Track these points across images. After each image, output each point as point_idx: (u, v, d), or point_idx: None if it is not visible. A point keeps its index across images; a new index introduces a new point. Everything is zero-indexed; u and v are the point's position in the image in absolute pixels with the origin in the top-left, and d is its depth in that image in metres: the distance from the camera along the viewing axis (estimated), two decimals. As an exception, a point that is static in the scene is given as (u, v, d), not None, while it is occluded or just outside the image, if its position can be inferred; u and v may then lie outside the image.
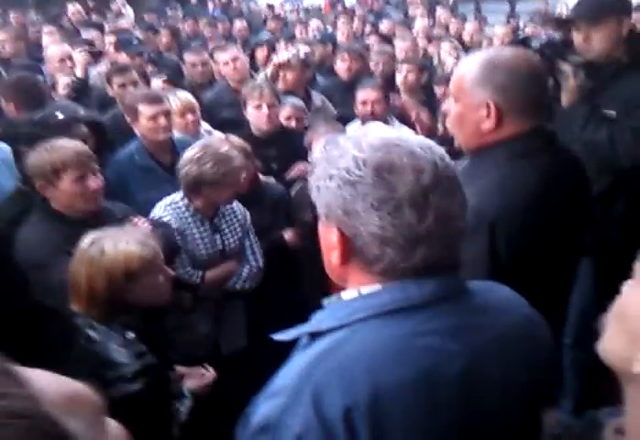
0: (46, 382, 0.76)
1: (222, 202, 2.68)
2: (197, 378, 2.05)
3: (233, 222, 2.75)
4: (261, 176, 3.09)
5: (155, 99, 3.09)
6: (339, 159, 0.97)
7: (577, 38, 2.60)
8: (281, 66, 3.94)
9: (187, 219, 2.63)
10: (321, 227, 1.05)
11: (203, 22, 7.57)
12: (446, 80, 3.42)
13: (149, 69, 4.90)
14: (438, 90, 4.31)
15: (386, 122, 3.68)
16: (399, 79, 4.19)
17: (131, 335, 1.81)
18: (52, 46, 4.76)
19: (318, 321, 1.02)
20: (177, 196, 2.66)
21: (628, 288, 0.82)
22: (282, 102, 3.53)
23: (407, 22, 7.42)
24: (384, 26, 7.09)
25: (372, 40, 5.83)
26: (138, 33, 6.28)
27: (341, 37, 6.31)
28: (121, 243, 1.84)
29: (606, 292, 0.89)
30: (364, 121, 3.64)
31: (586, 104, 2.54)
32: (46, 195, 2.28)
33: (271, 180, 3.17)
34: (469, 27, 6.49)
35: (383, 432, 0.91)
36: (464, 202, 1.00)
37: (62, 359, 1.77)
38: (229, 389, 2.13)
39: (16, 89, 3.45)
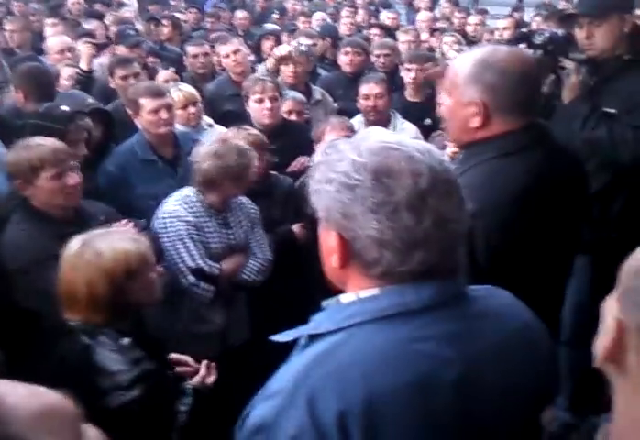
0: (18, 397, 0.76)
1: (235, 195, 2.70)
2: (199, 373, 2.02)
3: (240, 215, 2.77)
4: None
5: (157, 93, 3.09)
6: (338, 164, 0.98)
7: (579, 34, 2.60)
8: (281, 59, 3.93)
9: (201, 213, 2.64)
10: (321, 231, 1.05)
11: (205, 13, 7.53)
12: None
13: (151, 60, 4.90)
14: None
15: (388, 117, 3.69)
16: (406, 78, 4.17)
17: (126, 340, 1.76)
18: (52, 37, 4.74)
19: (316, 323, 1.02)
20: (189, 191, 2.66)
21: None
22: (283, 95, 3.53)
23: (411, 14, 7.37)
24: (387, 17, 7.04)
25: (373, 33, 5.80)
26: (140, 24, 6.24)
27: (344, 29, 6.28)
28: (116, 242, 1.81)
29: (603, 290, 0.89)
30: (366, 115, 3.65)
31: (587, 101, 2.54)
32: (25, 194, 2.29)
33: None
34: (473, 20, 6.46)
35: (377, 436, 0.91)
36: (463, 205, 1.00)
37: (46, 364, 1.78)
38: (231, 383, 2.14)
39: (27, 78, 3.45)
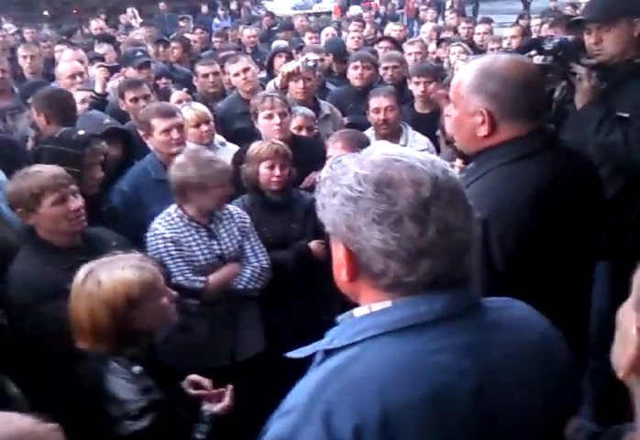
0: None
1: (211, 206, 2.70)
2: (216, 399, 2.00)
3: (230, 226, 2.78)
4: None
5: (168, 113, 3.13)
6: (342, 177, 0.99)
7: (588, 40, 2.58)
8: (290, 75, 3.95)
9: (181, 228, 2.68)
10: (332, 245, 1.06)
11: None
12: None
13: (163, 81, 4.96)
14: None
15: (400, 129, 3.69)
16: (415, 91, 4.18)
17: (137, 368, 1.75)
18: (63, 62, 4.80)
19: (331, 338, 1.02)
20: (171, 208, 2.73)
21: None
22: (293, 111, 3.55)
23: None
24: (392, 29, 7.08)
25: (382, 46, 5.82)
26: (150, 46, 6.33)
27: (352, 43, 6.32)
28: (117, 271, 1.79)
29: (623, 297, 0.88)
30: (377, 128, 3.65)
31: (600, 106, 2.52)
32: (29, 222, 2.28)
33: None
34: (480, 29, 6.47)
35: None
36: (470, 214, 1.00)
37: (60, 392, 1.77)
38: (245, 397, 2.12)
39: (49, 102, 3.49)
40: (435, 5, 9.10)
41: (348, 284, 1.03)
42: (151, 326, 1.86)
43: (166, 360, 1.98)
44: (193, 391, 2.04)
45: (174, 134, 3.07)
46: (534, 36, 6.12)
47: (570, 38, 2.66)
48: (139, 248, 2.35)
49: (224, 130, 3.84)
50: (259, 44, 7.48)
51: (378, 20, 10.36)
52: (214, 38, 7.77)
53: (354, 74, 4.59)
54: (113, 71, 4.76)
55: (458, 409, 0.94)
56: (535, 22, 6.80)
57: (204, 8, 14.55)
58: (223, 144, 3.63)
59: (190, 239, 2.67)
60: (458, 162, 2.68)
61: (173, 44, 6.26)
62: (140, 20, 10.87)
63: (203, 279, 2.64)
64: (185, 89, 4.55)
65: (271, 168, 2.90)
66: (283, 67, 4.06)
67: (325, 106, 4.17)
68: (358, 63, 4.61)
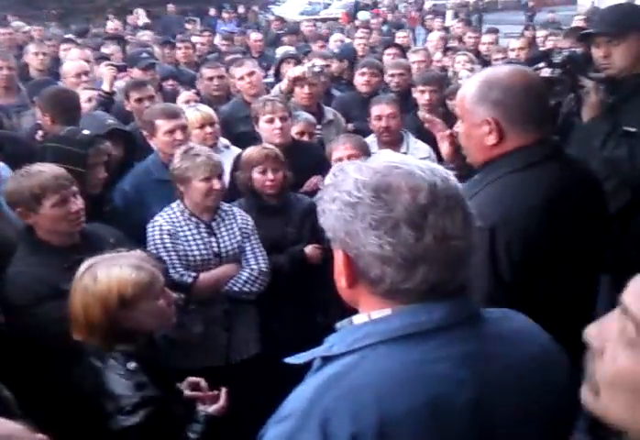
0: None
1: (200, 200, 2.68)
2: (211, 401, 2.00)
3: (232, 225, 2.78)
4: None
5: (172, 114, 3.13)
6: (342, 183, 1.00)
7: (596, 53, 2.58)
8: (296, 80, 3.95)
9: (180, 222, 2.70)
10: (334, 252, 1.06)
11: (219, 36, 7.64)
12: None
13: (170, 83, 4.95)
14: (450, 102, 4.28)
15: (401, 137, 3.68)
16: (420, 100, 4.18)
17: (133, 364, 1.76)
18: (68, 61, 4.80)
19: (329, 345, 1.02)
20: (175, 203, 2.75)
21: None
22: (295, 117, 3.55)
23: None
24: (397, 36, 7.10)
25: (390, 52, 5.84)
26: (157, 47, 6.34)
27: (359, 50, 6.33)
28: (114, 269, 1.79)
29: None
30: (379, 135, 3.65)
31: (607, 120, 2.52)
32: (28, 222, 2.26)
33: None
34: (486, 39, 6.49)
35: None
36: (469, 222, 1.00)
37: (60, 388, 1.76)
38: (238, 399, 2.12)
39: (54, 102, 3.48)
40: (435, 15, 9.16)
41: (348, 291, 1.04)
42: (145, 326, 1.85)
43: (160, 358, 1.97)
44: (188, 392, 2.04)
45: (178, 135, 3.08)
46: (539, 47, 6.14)
47: (579, 51, 2.65)
48: (140, 248, 2.33)
49: (227, 133, 3.83)
50: (265, 48, 7.49)
51: (385, 27, 10.38)
52: (220, 41, 7.78)
53: (361, 81, 4.61)
54: (120, 69, 4.76)
55: (456, 419, 0.93)
56: (540, 33, 6.80)
57: (212, 11, 14.59)
58: (227, 147, 3.63)
59: (187, 234, 2.69)
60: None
61: (179, 46, 6.27)
62: (146, 21, 10.89)
63: (193, 274, 2.65)
64: (194, 90, 4.56)
65: (264, 172, 2.91)
66: (289, 71, 4.06)
67: (329, 112, 4.18)
68: (365, 70, 4.63)
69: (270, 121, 3.34)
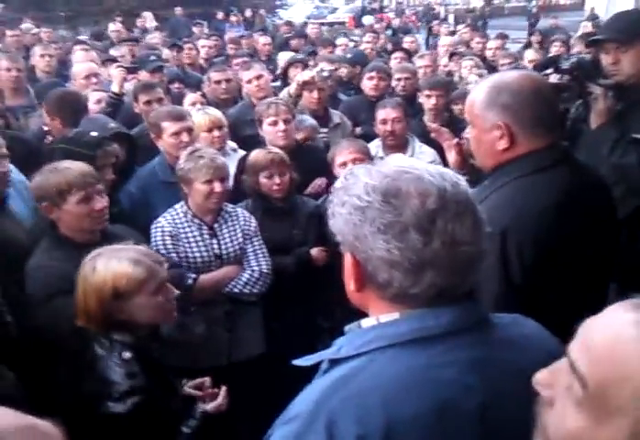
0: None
1: (201, 201, 2.68)
2: (210, 399, 2.01)
3: (235, 227, 2.78)
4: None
5: (178, 116, 3.15)
6: (352, 187, 1.01)
7: (605, 60, 2.57)
8: (304, 84, 3.96)
9: (182, 224, 2.70)
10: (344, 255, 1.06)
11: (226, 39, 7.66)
12: (463, 97, 3.39)
13: (176, 86, 4.97)
14: (455, 106, 4.28)
15: (406, 141, 3.68)
16: (426, 104, 4.18)
17: (128, 354, 1.79)
18: (78, 63, 4.82)
19: (337, 347, 1.03)
20: (179, 204, 2.76)
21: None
22: (299, 122, 3.56)
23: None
24: (404, 41, 7.11)
25: (397, 56, 5.84)
26: (165, 50, 6.36)
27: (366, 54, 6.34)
28: (113, 261, 1.82)
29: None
30: (384, 140, 3.65)
31: (615, 126, 2.51)
32: (51, 217, 2.28)
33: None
34: (492, 45, 6.50)
35: None
36: (479, 227, 1.00)
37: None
38: (240, 398, 2.12)
39: (61, 105, 3.49)
40: (429, 19, 9.20)
41: (357, 294, 1.04)
42: (140, 319, 1.86)
43: (162, 357, 1.98)
44: (188, 389, 2.05)
45: (184, 137, 3.09)
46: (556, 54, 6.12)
47: (587, 57, 2.65)
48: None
49: (234, 136, 3.84)
50: (273, 52, 7.50)
51: (389, 32, 10.40)
52: (228, 45, 7.80)
53: (369, 85, 4.62)
54: (130, 71, 4.77)
55: (463, 425, 0.93)
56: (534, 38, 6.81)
57: (220, 15, 14.63)
58: (234, 150, 3.64)
59: (189, 236, 2.69)
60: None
61: (186, 48, 6.29)
62: (155, 24, 10.93)
63: (193, 275, 2.65)
64: (200, 92, 4.57)
65: (270, 177, 2.92)
66: (298, 76, 4.07)
67: (336, 115, 4.19)
68: (373, 74, 4.65)
69: (274, 123, 3.35)
